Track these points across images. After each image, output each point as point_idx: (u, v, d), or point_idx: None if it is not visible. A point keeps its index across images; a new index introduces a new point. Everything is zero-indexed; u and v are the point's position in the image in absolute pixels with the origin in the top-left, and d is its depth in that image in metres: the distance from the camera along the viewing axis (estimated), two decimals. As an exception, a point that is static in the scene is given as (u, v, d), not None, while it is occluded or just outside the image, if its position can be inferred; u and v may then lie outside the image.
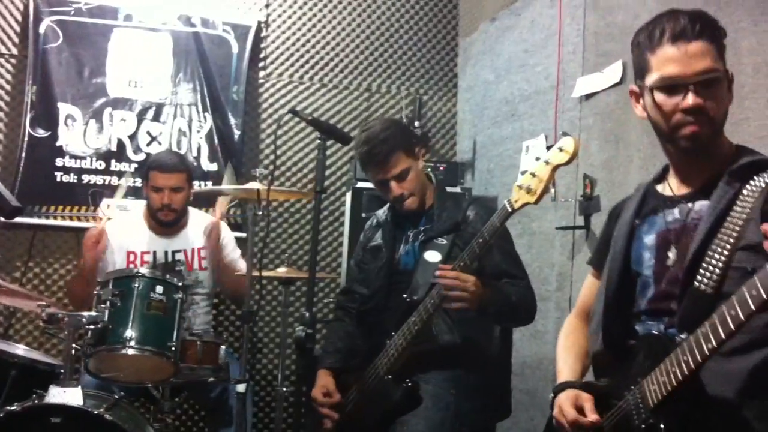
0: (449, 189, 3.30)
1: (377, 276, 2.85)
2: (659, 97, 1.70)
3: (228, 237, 3.84)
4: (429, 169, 3.05)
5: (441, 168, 4.19)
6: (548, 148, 2.22)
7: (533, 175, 2.13)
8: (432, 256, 2.61)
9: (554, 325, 3.40)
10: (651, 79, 1.71)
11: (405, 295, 2.61)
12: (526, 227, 3.74)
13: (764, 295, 1.33)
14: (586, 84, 3.39)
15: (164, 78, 4.32)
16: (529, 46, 3.98)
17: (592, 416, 1.75)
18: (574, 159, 2.09)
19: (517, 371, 3.27)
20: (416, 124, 4.54)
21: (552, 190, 3.54)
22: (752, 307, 1.36)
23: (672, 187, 1.82)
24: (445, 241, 2.64)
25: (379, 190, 2.84)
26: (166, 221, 3.64)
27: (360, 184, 4.05)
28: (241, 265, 3.66)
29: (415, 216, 2.81)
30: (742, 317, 1.38)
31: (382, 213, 3.01)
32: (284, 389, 3.00)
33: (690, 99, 1.65)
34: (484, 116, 4.41)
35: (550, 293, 3.49)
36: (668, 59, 1.68)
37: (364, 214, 3.98)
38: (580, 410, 1.77)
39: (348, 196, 4.18)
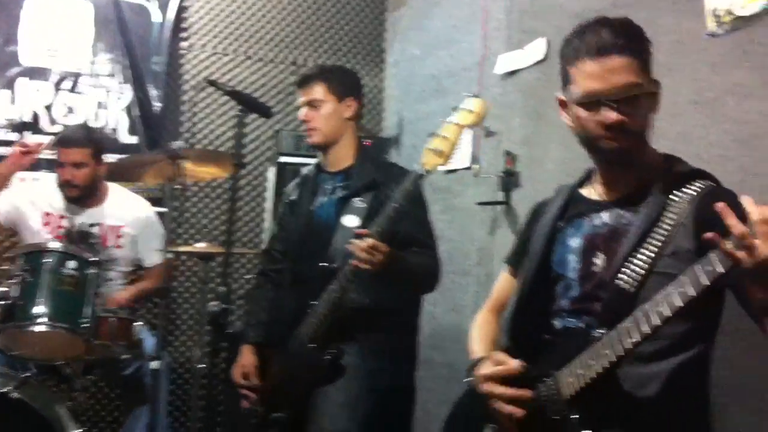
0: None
1: (294, 228, 2.84)
2: (581, 112, 1.69)
3: (149, 221, 3.72)
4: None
5: (367, 143, 4.15)
6: (454, 109, 2.21)
7: (442, 136, 2.14)
8: (350, 220, 2.61)
9: (473, 299, 3.43)
10: (573, 93, 1.71)
11: (325, 263, 2.59)
12: (449, 203, 3.75)
13: (693, 292, 1.37)
14: (508, 61, 3.40)
15: (83, 47, 4.16)
16: (455, 21, 3.97)
17: (514, 363, 1.73)
18: (481, 120, 2.07)
19: (437, 344, 3.30)
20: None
21: (476, 166, 3.56)
22: (680, 303, 1.40)
23: (598, 192, 1.83)
24: (363, 205, 2.63)
25: None
26: (70, 197, 3.53)
27: (283, 159, 3.99)
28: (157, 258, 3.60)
29: (336, 174, 2.80)
30: (667, 312, 1.42)
31: (306, 170, 2.98)
32: (201, 366, 2.94)
33: (611, 116, 1.63)
34: (411, 92, 4.39)
35: (471, 268, 3.51)
36: (588, 74, 1.66)
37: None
38: (502, 364, 1.76)
39: (271, 171, 4.11)
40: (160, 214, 3.81)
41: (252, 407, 2.74)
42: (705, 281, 1.36)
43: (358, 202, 2.64)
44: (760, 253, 1.27)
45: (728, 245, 1.30)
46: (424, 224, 2.70)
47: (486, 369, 1.78)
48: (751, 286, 1.40)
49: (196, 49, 4.45)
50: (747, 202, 1.31)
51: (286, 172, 3.97)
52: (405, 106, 4.45)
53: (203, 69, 4.44)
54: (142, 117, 4.23)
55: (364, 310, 2.58)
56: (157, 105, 4.25)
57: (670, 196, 1.66)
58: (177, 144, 3.04)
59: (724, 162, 2.16)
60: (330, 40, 4.70)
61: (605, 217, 1.77)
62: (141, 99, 4.22)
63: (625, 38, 1.65)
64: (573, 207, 1.87)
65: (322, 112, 2.75)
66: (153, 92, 4.25)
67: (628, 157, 1.70)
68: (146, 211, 3.74)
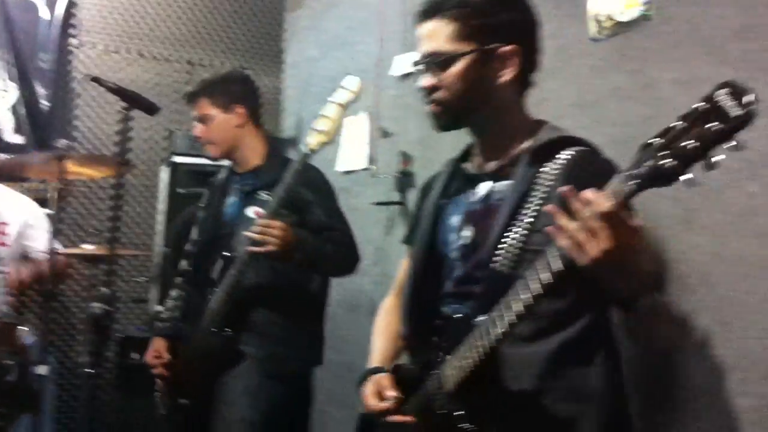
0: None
1: (204, 228, 2.88)
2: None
3: (36, 220, 3.58)
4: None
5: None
6: (337, 90, 2.32)
7: (324, 116, 2.25)
8: (254, 211, 2.64)
9: (370, 299, 3.44)
10: None
11: (226, 252, 2.65)
12: (346, 203, 3.72)
13: (545, 280, 1.32)
14: (404, 63, 3.43)
15: (-35, 43, 3.99)
16: (353, 23, 3.99)
17: (389, 393, 1.72)
18: (358, 97, 2.15)
19: (335, 345, 3.28)
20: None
21: (371, 167, 3.59)
22: (535, 292, 1.35)
23: (476, 164, 1.78)
24: (268, 197, 2.64)
25: None
26: None
27: (177, 159, 3.90)
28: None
29: (245, 174, 2.84)
30: (527, 303, 1.37)
31: (217, 176, 3.03)
32: (88, 370, 2.85)
33: (420, 80, 1.68)
34: (309, 93, 4.38)
35: (368, 268, 3.52)
36: (417, 39, 1.71)
37: (180, 190, 3.86)
38: (380, 395, 1.75)
39: (164, 171, 4.02)
40: (47, 216, 3.68)
41: (161, 394, 2.79)
42: (546, 278, 1.33)
43: (263, 195, 2.67)
44: (589, 251, 1.24)
45: (562, 240, 1.28)
46: (333, 210, 2.76)
47: (367, 396, 1.78)
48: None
49: (87, 47, 4.32)
50: (587, 194, 1.25)
51: (179, 173, 3.89)
52: (303, 107, 4.44)
53: (94, 67, 4.31)
54: (29, 116, 4.07)
55: (262, 291, 2.62)
56: (44, 104, 4.10)
57: (545, 166, 1.60)
58: (63, 143, 2.94)
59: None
60: (227, 40, 4.64)
61: (481, 191, 1.72)
62: (27, 97, 4.06)
63: (442, 3, 1.65)
64: (455, 182, 1.83)
65: (211, 126, 2.79)
66: (40, 90, 4.10)
67: (444, 122, 1.70)
68: (31, 207, 3.60)
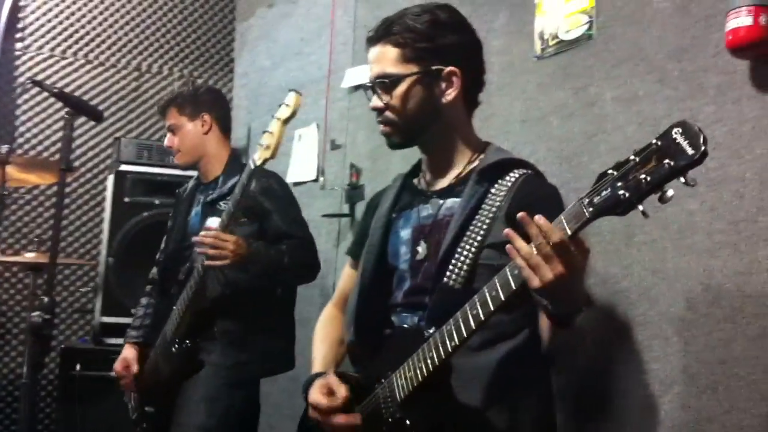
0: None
1: (170, 239, 2.95)
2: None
3: None
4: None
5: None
6: (279, 105, 2.38)
7: (269, 132, 2.32)
8: (213, 222, 2.66)
9: (318, 311, 3.41)
10: None
11: (188, 263, 2.71)
12: (295, 215, 3.74)
13: (502, 297, 1.38)
14: (353, 75, 3.45)
15: None
16: (304, 34, 3.99)
17: (341, 391, 1.73)
18: (296, 112, 2.26)
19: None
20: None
21: (321, 179, 3.59)
22: (491, 307, 1.41)
23: (426, 181, 1.86)
24: (226, 207, 2.68)
25: None
26: None
27: (124, 167, 3.85)
28: None
29: (209, 183, 2.91)
30: (482, 317, 1.43)
31: (183, 186, 3.10)
32: (27, 381, 2.79)
33: (371, 102, 1.78)
34: (260, 103, 4.36)
35: (316, 280, 3.52)
36: (368, 62, 1.81)
37: (127, 199, 3.80)
38: (330, 394, 1.75)
39: (110, 179, 3.96)
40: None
41: (130, 401, 2.87)
42: (501, 297, 1.38)
43: (222, 205, 2.72)
44: (544, 275, 1.30)
45: (519, 261, 1.33)
46: (292, 219, 2.79)
47: (315, 395, 1.77)
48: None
49: (32, 51, 4.25)
50: (538, 220, 1.31)
51: (126, 180, 3.83)
52: (254, 117, 4.42)
53: (39, 71, 4.24)
54: (-31, 119, 3.98)
55: (221, 301, 2.66)
56: (-14, 107, 4.01)
57: (492, 186, 1.69)
58: (3, 148, 2.88)
59: (549, 178, 2.28)
60: (176, 47, 4.60)
61: (431, 207, 1.80)
62: (-32, 100, 3.97)
63: (389, 27, 1.76)
64: (404, 197, 1.90)
65: (179, 134, 2.88)
66: (-18, 94, 4.01)
67: (395, 142, 1.80)
68: None
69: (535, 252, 1.30)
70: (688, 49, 1.91)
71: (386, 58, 1.75)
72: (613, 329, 1.97)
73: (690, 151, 1.13)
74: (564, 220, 1.28)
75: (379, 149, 3.25)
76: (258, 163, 2.33)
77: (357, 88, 3.44)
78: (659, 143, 1.16)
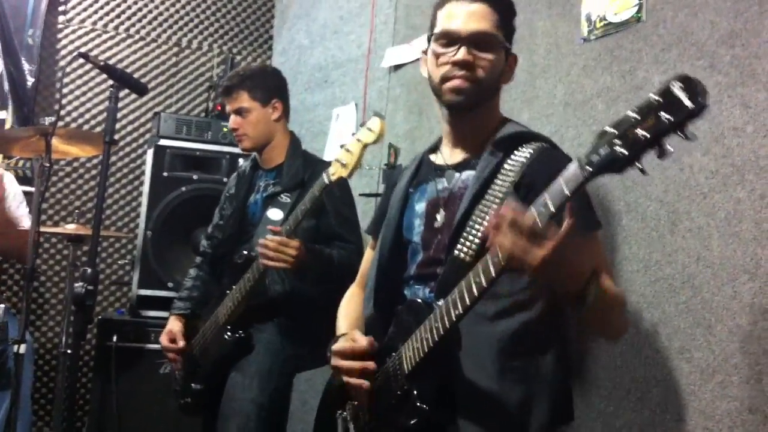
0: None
1: (228, 223, 2.94)
2: (436, 47, 1.76)
3: (13, 191, 3.56)
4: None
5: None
6: (362, 125, 2.29)
7: (347, 150, 2.25)
8: (274, 213, 2.70)
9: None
10: (434, 33, 1.78)
11: (244, 251, 2.71)
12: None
13: (502, 261, 1.37)
14: (394, 55, 3.43)
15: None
16: (344, 13, 3.98)
17: (363, 340, 1.75)
18: (381, 139, 2.15)
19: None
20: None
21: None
22: (492, 273, 1.40)
23: (444, 156, 1.86)
24: (288, 200, 2.73)
25: None
26: None
27: (163, 142, 3.88)
28: (26, 223, 3.41)
29: (270, 170, 2.91)
30: (484, 284, 1.42)
31: (244, 163, 3.09)
32: (67, 351, 2.84)
33: (460, 53, 1.71)
34: (298, 81, 4.36)
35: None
36: (450, 15, 1.75)
37: (166, 173, 3.83)
38: (354, 341, 1.77)
39: (149, 154, 4.00)
40: (28, 193, 3.65)
41: (176, 372, 2.88)
42: (502, 261, 1.38)
43: (284, 197, 2.74)
44: (527, 263, 1.32)
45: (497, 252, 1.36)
46: (347, 220, 2.82)
47: (338, 345, 1.80)
48: None
49: (75, 24, 4.28)
50: (509, 212, 1.33)
51: (165, 155, 3.86)
52: (291, 95, 4.38)
53: (81, 45, 4.29)
54: (13, 91, 4.03)
55: (280, 298, 2.69)
56: (30, 80, 4.05)
57: (507, 158, 1.68)
58: (47, 120, 2.91)
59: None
60: (216, 24, 4.62)
61: (445, 180, 1.81)
62: (12, 72, 4.02)
63: None
64: (422, 172, 1.91)
65: (248, 119, 2.84)
66: (26, 66, 4.06)
67: (468, 101, 1.74)
68: (10, 182, 3.58)
69: (512, 243, 1.31)
70: (740, 34, 1.87)
71: (487, 18, 1.74)
72: (655, 316, 1.95)
73: (688, 104, 1.11)
74: (562, 183, 1.28)
75: (416, 130, 3.24)
76: (333, 179, 2.30)
77: (397, 67, 3.43)
78: (659, 99, 1.15)
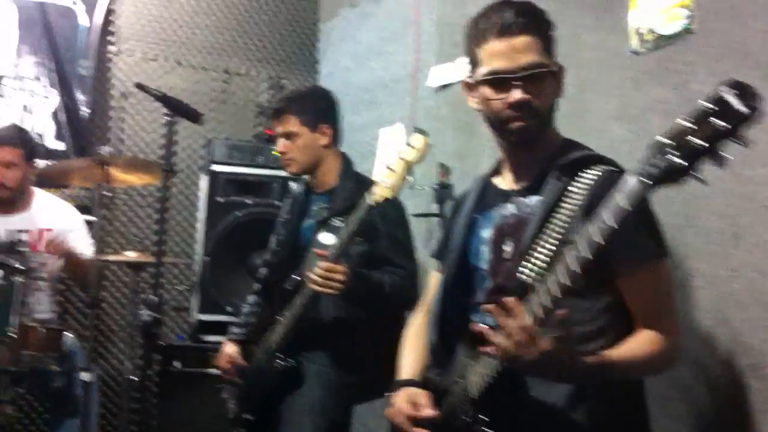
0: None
1: (281, 248, 2.92)
2: (487, 91, 1.71)
3: (78, 221, 3.65)
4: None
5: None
6: (407, 144, 2.30)
7: (391, 169, 2.24)
8: (325, 238, 2.65)
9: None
10: (480, 73, 1.72)
11: (295, 275, 2.67)
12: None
13: (568, 282, 1.37)
14: (439, 74, 3.45)
15: (6, 49, 4.05)
16: (387, 33, 4.01)
17: (427, 411, 1.74)
18: (424, 155, 2.13)
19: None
20: (275, 108, 4.50)
21: (410, 179, 3.60)
22: (559, 293, 1.39)
23: (507, 180, 1.84)
24: (341, 224, 2.65)
25: None
26: None
27: (216, 168, 3.94)
28: (89, 252, 3.50)
29: (322, 194, 2.86)
30: (549, 305, 1.41)
31: (296, 187, 3.05)
32: (132, 377, 2.90)
33: (516, 94, 1.66)
34: (344, 102, 4.32)
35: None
36: (494, 54, 1.68)
37: (220, 198, 3.90)
38: (415, 406, 1.76)
39: (204, 179, 4.07)
40: (89, 222, 3.74)
41: (230, 399, 2.84)
42: (565, 280, 1.38)
43: (336, 221, 2.67)
44: (523, 359, 1.37)
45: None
46: (400, 244, 2.74)
47: (400, 402, 1.79)
48: None
49: (125, 54, 4.39)
50: (509, 306, 1.37)
51: (218, 181, 3.93)
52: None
53: (132, 74, 4.37)
54: (69, 122, 4.15)
55: (332, 324, 2.64)
56: (84, 110, 4.17)
57: (573, 182, 1.64)
58: (105, 150, 2.99)
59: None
60: (263, 49, 4.69)
61: (512, 207, 1.77)
62: (68, 104, 4.13)
63: (528, 18, 1.68)
64: (486, 197, 1.87)
65: (297, 143, 2.76)
66: (80, 97, 4.17)
67: (532, 137, 1.71)
68: (74, 214, 3.68)
69: (507, 338, 1.36)
70: (795, 44, 1.85)
71: (534, 49, 1.67)
72: (721, 332, 1.92)
73: (742, 108, 1.10)
74: (621, 197, 1.26)
75: (466, 148, 3.25)
76: (376, 200, 2.29)
77: (444, 87, 3.45)
78: (712, 106, 1.14)
